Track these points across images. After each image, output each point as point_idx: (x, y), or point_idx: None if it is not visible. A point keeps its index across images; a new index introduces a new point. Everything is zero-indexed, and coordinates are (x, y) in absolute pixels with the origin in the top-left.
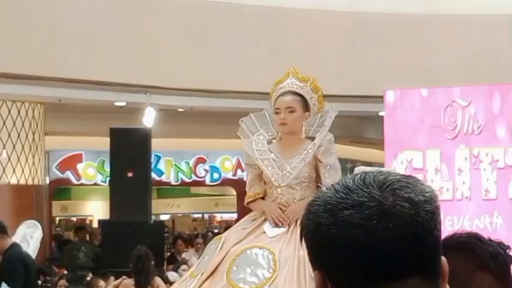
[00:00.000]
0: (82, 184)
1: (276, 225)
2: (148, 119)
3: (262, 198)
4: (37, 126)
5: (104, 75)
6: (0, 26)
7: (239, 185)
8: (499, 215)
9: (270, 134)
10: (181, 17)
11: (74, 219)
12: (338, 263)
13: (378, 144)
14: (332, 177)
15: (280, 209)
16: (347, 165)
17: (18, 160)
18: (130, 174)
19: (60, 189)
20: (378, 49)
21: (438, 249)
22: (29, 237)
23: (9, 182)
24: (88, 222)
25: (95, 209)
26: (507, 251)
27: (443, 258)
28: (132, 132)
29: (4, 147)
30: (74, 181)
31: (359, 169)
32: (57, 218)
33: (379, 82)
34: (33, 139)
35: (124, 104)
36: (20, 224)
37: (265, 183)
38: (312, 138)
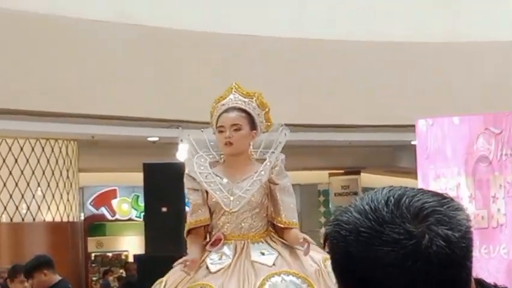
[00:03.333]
0: (116, 220)
1: (220, 258)
2: (181, 153)
3: (206, 227)
4: (71, 163)
5: (136, 111)
6: (33, 66)
7: None
8: None
9: (211, 157)
10: (211, 52)
11: (110, 254)
12: None
13: (411, 173)
14: (287, 202)
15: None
16: None
17: (53, 197)
18: (164, 209)
19: (95, 225)
20: (409, 78)
21: (469, 282)
22: None
23: (44, 220)
24: (123, 257)
25: (131, 244)
26: None
27: (472, 285)
28: (165, 167)
29: (39, 185)
30: (108, 217)
31: None
32: (92, 254)
33: (410, 111)
34: (68, 176)
35: (156, 139)
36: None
37: (210, 210)
38: (260, 161)
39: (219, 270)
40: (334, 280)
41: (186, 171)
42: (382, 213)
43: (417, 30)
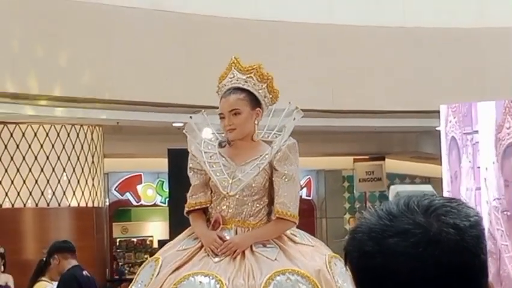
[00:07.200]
0: (141, 205)
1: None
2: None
3: (205, 209)
4: (96, 148)
5: (161, 96)
6: (60, 52)
7: (303, 203)
8: None
9: (223, 135)
10: (234, 37)
11: (135, 240)
12: None
13: (436, 159)
14: (287, 190)
15: (221, 238)
16: (406, 180)
17: (78, 183)
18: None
19: (120, 211)
20: (434, 64)
21: (484, 273)
22: None
23: (69, 205)
24: (148, 242)
25: (155, 230)
26: None
27: (489, 280)
28: None
29: (64, 171)
30: (133, 202)
31: (395, 188)
32: (117, 240)
33: (435, 97)
34: (93, 162)
35: (181, 124)
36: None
37: (211, 192)
38: (269, 142)
39: (221, 260)
40: (338, 280)
41: (190, 149)
42: (393, 211)
43: (445, 15)
